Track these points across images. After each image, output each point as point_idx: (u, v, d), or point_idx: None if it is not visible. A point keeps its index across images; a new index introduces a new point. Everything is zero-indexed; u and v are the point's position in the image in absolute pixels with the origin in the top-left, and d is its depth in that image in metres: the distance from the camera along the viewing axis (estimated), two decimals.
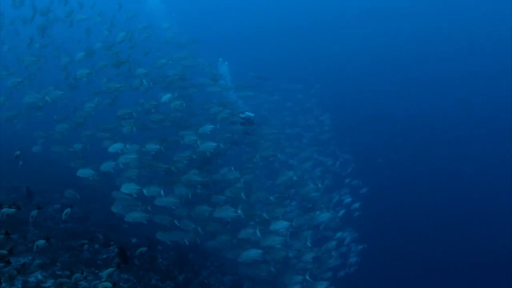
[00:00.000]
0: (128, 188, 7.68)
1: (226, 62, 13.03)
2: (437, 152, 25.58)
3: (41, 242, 5.77)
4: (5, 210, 5.13)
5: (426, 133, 27.42)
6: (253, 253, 7.72)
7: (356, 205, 12.86)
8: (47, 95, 8.98)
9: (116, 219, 9.43)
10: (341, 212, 11.62)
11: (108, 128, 9.48)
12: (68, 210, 6.77)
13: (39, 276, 6.44)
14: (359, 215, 13.05)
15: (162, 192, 7.81)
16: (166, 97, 8.80)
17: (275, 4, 35.17)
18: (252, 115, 10.63)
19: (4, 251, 4.93)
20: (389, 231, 18.30)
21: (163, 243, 9.12)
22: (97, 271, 7.12)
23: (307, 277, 8.77)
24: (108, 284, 5.32)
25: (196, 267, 9.24)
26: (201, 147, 8.17)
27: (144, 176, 8.73)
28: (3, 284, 5.85)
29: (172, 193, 7.97)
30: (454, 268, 17.24)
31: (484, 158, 25.16)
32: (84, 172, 7.99)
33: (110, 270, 5.92)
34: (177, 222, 8.24)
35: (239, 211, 7.78)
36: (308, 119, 16.63)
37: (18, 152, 7.18)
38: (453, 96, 30.16)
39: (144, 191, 7.70)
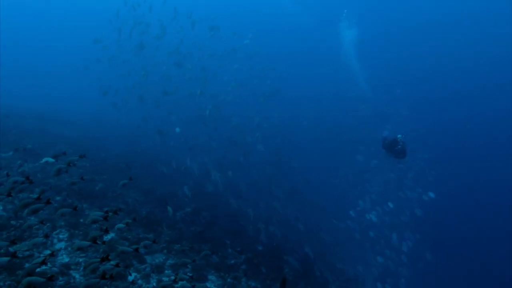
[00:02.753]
0: None
1: (356, 27, 10.36)
2: None
3: (121, 225, 5.82)
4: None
5: None
6: None
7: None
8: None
9: (240, 226, 9.42)
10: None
11: None
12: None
13: (172, 277, 6.55)
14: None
15: None
16: None
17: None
18: (400, 136, 9.38)
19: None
20: None
21: (289, 253, 8.78)
22: (226, 275, 7.03)
23: None
24: None
25: (321, 280, 8.67)
26: None
27: None
28: (140, 281, 6.13)
29: None
30: None
31: None
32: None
33: None
34: None
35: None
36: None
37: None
38: None
39: None
